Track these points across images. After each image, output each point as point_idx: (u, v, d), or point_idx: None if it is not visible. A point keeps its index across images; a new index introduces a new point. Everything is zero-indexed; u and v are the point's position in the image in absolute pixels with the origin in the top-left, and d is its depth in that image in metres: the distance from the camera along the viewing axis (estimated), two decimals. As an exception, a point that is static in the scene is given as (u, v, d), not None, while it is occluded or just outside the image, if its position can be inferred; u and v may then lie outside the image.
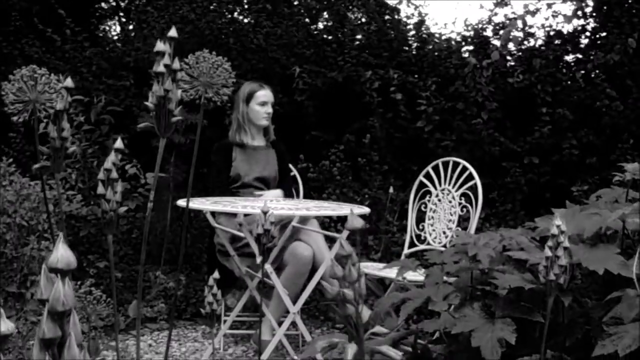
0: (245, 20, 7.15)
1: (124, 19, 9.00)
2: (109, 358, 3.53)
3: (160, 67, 1.15)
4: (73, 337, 0.55)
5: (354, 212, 2.84)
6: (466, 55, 6.53)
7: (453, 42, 6.84)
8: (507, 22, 6.53)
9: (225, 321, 3.76)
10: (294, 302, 3.33)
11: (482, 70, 5.83)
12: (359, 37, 6.86)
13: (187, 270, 4.87)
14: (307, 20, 7.51)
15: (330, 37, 6.82)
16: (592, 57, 6.13)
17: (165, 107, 1.16)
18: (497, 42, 6.81)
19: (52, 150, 1.22)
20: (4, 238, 3.44)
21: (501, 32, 6.00)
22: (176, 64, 1.16)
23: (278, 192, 3.94)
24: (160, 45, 1.16)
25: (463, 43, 6.80)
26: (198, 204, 3.22)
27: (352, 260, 0.77)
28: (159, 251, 4.85)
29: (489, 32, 6.90)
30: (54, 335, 0.54)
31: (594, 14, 6.85)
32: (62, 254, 0.54)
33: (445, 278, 2.05)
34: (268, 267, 3.26)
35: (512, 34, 6.20)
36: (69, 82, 1.23)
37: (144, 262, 1.19)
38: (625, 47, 5.89)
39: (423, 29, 7.04)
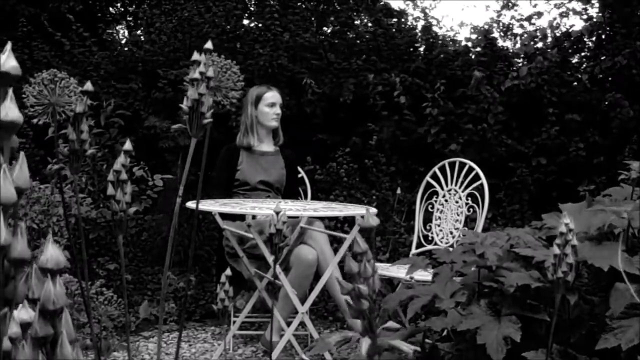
0: (252, 25, 7.17)
1: (131, 23, 9.05)
2: (120, 359, 3.56)
3: (196, 74, 1.23)
4: (65, 335, 0.56)
5: (362, 212, 2.85)
6: (473, 57, 6.55)
7: (460, 45, 6.85)
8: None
9: (234, 322, 3.79)
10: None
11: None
12: (365, 40, 6.88)
13: (197, 272, 4.90)
14: (314, 25, 7.53)
15: (336, 41, 6.84)
16: (602, 59, 6.13)
17: (198, 110, 1.22)
18: (502, 43, 6.84)
19: (71, 152, 1.25)
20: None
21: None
22: (210, 72, 1.22)
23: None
24: (196, 56, 1.24)
25: (470, 46, 6.81)
26: (207, 205, 3.25)
27: (367, 256, 0.80)
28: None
29: (495, 34, 6.92)
30: (46, 333, 0.56)
31: (601, 15, 6.86)
32: (51, 254, 0.56)
33: (454, 278, 2.07)
34: (277, 267, 3.28)
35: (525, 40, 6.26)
36: (88, 86, 1.27)
37: (169, 264, 1.21)
38: (633, 49, 5.89)
39: (430, 32, 7.06)
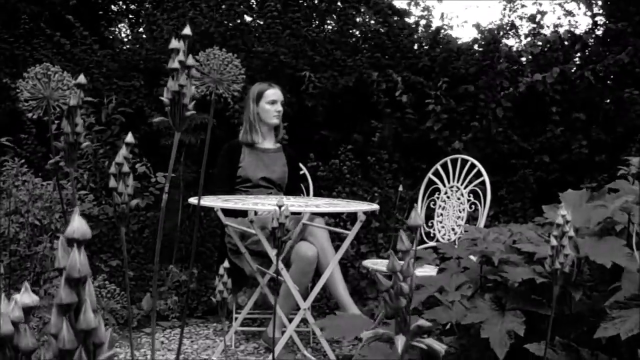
0: (254, 24, 7.17)
1: (133, 21, 9.05)
2: (122, 355, 3.56)
3: (175, 64, 1.18)
4: (89, 303, 0.58)
5: (364, 208, 2.84)
6: (477, 55, 6.54)
7: (463, 44, 6.85)
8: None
9: (236, 319, 3.79)
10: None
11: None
12: (369, 38, 6.88)
13: (199, 269, 4.91)
14: (315, 22, 7.53)
15: (341, 39, 6.84)
16: (606, 56, 6.11)
17: (179, 102, 1.19)
18: (506, 40, 6.83)
19: (67, 145, 1.24)
20: (17, 237, 3.48)
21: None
22: (190, 60, 1.19)
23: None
24: (174, 43, 1.19)
25: (475, 47, 6.80)
26: (209, 201, 3.26)
27: (410, 255, 0.80)
28: (170, 249, 4.89)
29: (500, 33, 6.90)
30: (71, 300, 0.57)
31: (604, 13, 6.86)
32: (78, 225, 0.57)
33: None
34: (279, 263, 3.28)
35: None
36: (81, 79, 1.26)
37: (159, 251, 1.21)
38: (637, 47, 5.87)
39: (435, 31, 7.05)
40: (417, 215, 0.84)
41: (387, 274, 0.83)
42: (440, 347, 0.85)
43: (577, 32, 6.73)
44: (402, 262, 0.80)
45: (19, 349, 0.62)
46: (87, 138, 4.73)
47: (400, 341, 0.80)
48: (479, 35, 6.89)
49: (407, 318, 0.81)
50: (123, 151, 1.23)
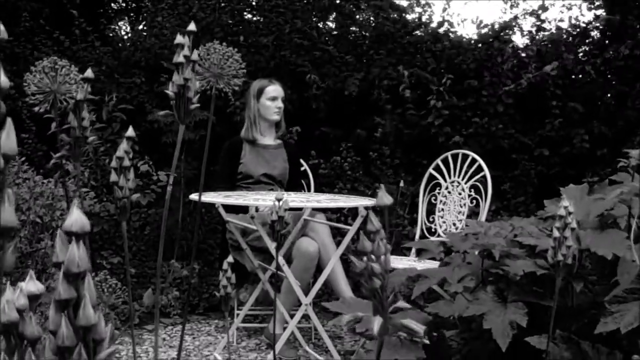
0: (255, 19, 7.16)
1: (133, 19, 9.05)
2: (123, 352, 3.56)
3: (180, 58, 1.20)
4: (88, 298, 0.57)
5: (365, 203, 2.84)
6: (481, 52, 6.53)
7: (467, 40, 6.84)
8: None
9: (238, 315, 3.80)
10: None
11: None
12: (371, 35, 6.87)
13: (200, 266, 4.91)
14: (315, 18, 7.52)
15: (342, 35, 6.84)
16: (610, 50, 6.10)
17: (184, 95, 1.21)
18: (509, 35, 6.81)
19: (73, 139, 1.25)
20: (19, 234, 3.49)
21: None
22: (195, 55, 1.21)
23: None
24: (179, 38, 1.21)
25: (479, 45, 6.78)
26: (210, 197, 3.25)
27: (380, 235, 0.80)
28: (171, 246, 4.90)
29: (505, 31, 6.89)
30: (69, 296, 0.56)
31: (603, 6, 6.85)
32: (76, 218, 0.56)
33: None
34: (280, 259, 3.28)
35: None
36: (89, 73, 1.27)
37: (163, 242, 1.21)
38: (637, 41, 5.87)
39: (436, 26, 7.05)
40: (385, 195, 0.83)
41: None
42: (418, 327, 0.84)
43: (578, 23, 6.73)
44: (372, 242, 0.80)
45: (24, 336, 0.61)
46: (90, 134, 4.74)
47: (377, 322, 0.80)
48: (484, 31, 6.88)
49: (383, 299, 0.81)
50: (124, 145, 1.23)
